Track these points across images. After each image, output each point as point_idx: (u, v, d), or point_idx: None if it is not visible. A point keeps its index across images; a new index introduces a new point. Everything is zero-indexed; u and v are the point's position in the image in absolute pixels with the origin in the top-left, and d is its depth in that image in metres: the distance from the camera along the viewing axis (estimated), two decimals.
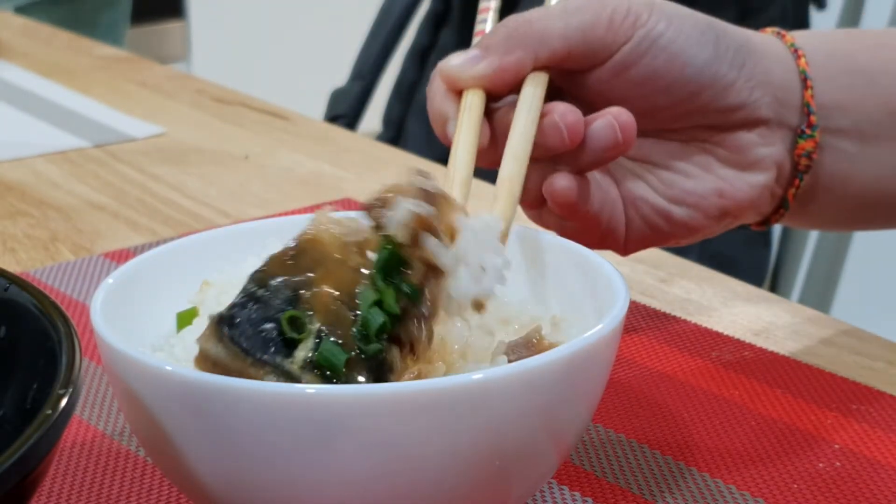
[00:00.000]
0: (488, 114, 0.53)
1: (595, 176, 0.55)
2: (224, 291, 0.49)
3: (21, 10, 1.57)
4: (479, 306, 0.44)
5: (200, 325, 0.47)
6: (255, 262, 0.51)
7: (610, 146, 0.52)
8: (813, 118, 0.57)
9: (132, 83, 1.20)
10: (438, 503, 0.42)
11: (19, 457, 0.34)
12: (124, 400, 0.44)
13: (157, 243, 0.77)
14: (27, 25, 1.45)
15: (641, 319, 0.68)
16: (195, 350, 0.45)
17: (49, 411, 0.36)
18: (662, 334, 0.66)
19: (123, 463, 0.54)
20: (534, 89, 0.52)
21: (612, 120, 0.52)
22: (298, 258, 0.44)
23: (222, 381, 0.40)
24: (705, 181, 0.56)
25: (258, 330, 0.42)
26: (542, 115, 0.52)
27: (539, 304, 0.52)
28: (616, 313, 0.45)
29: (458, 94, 0.53)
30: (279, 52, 3.27)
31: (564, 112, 0.51)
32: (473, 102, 0.52)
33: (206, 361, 0.42)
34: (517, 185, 0.50)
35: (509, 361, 0.44)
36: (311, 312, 0.42)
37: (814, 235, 1.58)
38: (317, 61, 3.09)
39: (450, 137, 0.52)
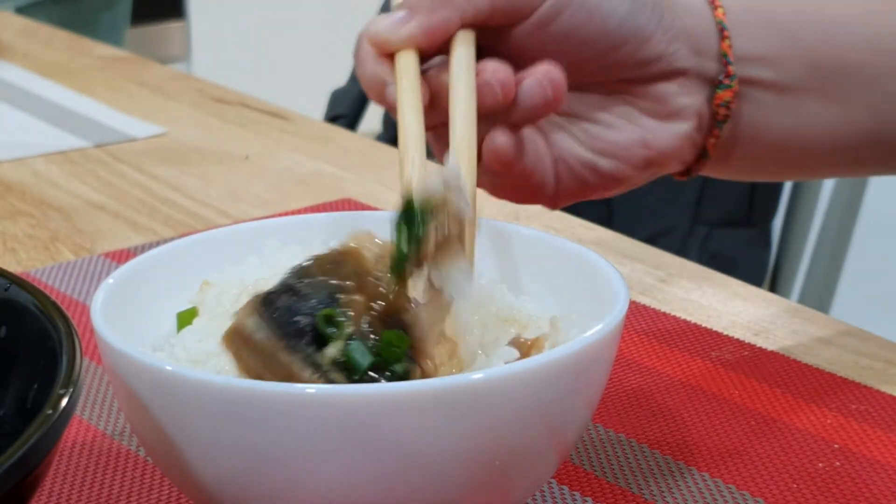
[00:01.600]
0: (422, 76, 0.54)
1: (524, 132, 0.56)
2: (224, 291, 0.49)
3: (21, 10, 1.57)
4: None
5: (200, 325, 0.47)
6: (255, 262, 0.52)
7: (540, 104, 0.53)
8: (731, 68, 0.57)
9: (132, 83, 1.20)
10: (438, 503, 0.42)
11: (19, 457, 0.34)
12: (124, 400, 0.44)
13: (157, 243, 0.77)
14: (27, 25, 1.45)
15: (641, 319, 0.68)
16: (195, 350, 0.46)
17: (49, 411, 0.36)
18: (662, 334, 0.66)
19: (123, 463, 0.54)
20: (466, 48, 0.53)
21: (542, 77, 0.53)
22: (339, 266, 0.45)
23: (222, 380, 0.40)
24: (628, 132, 0.57)
25: (295, 319, 0.43)
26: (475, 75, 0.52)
27: (538, 304, 0.52)
28: (616, 313, 0.45)
29: (390, 57, 0.53)
30: (279, 52, 3.27)
31: (496, 69, 0.52)
32: (408, 64, 0.53)
33: (239, 337, 0.43)
34: (474, 148, 0.50)
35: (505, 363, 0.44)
36: (345, 318, 0.43)
37: (814, 235, 1.58)
38: (317, 61, 3.09)
39: (389, 101, 0.52)
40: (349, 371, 0.42)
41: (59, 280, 0.73)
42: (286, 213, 0.84)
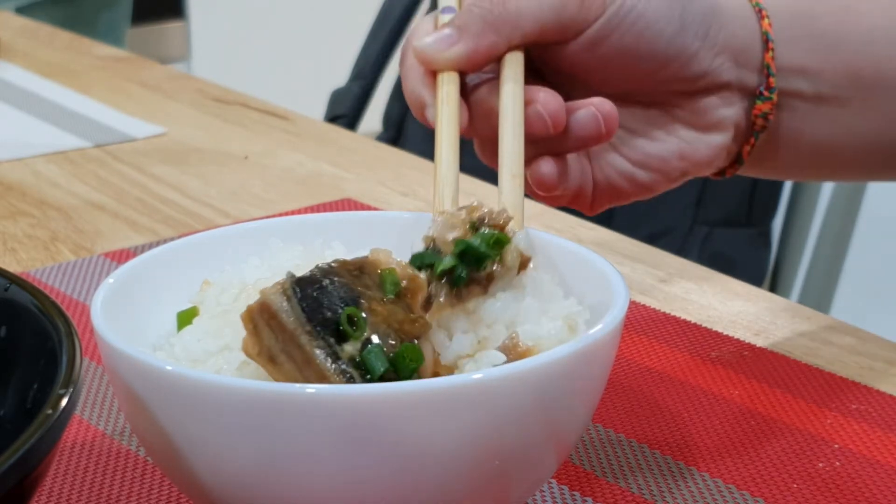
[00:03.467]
0: (465, 92, 0.54)
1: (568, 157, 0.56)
2: (224, 291, 0.49)
3: (21, 10, 1.57)
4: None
5: (200, 324, 0.47)
6: (255, 262, 0.52)
7: (593, 136, 0.54)
8: (772, 80, 0.58)
9: (132, 83, 1.20)
10: (438, 503, 0.42)
11: (19, 457, 0.34)
12: (124, 400, 0.44)
13: (157, 243, 0.77)
14: (27, 25, 1.45)
15: (641, 319, 0.68)
16: (195, 350, 0.46)
17: (49, 411, 0.36)
18: (662, 334, 0.66)
19: (123, 463, 0.54)
20: (514, 81, 0.53)
21: (595, 111, 0.53)
22: (362, 274, 0.45)
23: (222, 380, 0.40)
24: (668, 143, 0.57)
25: (323, 309, 0.43)
26: (525, 104, 0.53)
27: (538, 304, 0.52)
28: (616, 313, 0.45)
29: (433, 74, 0.54)
30: (279, 52, 3.27)
31: (546, 101, 0.52)
32: (451, 91, 0.53)
33: (265, 312, 0.43)
34: (521, 206, 0.50)
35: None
36: (366, 321, 0.43)
37: (814, 235, 1.58)
38: (317, 61, 3.09)
39: (429, 122, 0.53)
40: (364, 371, 0.42)
41: (58, 280, 0.73)
42: (286, 213, 0.84)
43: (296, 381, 0.42)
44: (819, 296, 1.57)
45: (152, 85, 1.20)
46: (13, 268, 0.75)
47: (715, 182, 1.41)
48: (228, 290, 0.49)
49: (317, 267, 0.45)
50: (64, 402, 0.36)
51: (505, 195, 0.50)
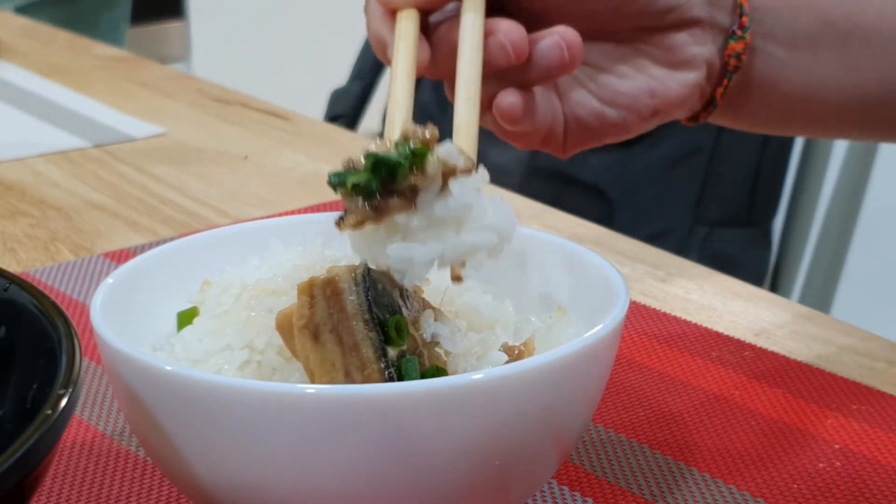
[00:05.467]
0: (428, 30, 0.54)
1: (536, 88, 0.56)
2: (224, 291, 0.49)
3: (21, 10, 1.57)
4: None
5: (200, 324, 0.47)
6: (255, 262, 0.52)
7: (556, 65, 0.53)
8: (745, 19, 0.58)
9: (132, 83, 1.20)
10: (439, 502, 0.42)
11: (19, 457, 0.34)
12: (124, 400, 0.44)
13: (157, 243, 0.77)
14: (27, 25, 1.45)
15: (641, 319, 0.68)
16: (195, 350, 0.45)
17: (49, 411, 0.36)
18: (662, 334, 0.66)
19: (123, 463, 0.54)
20: (473, 11, 0.53)
21: (559, 39, 0.53)
22: (393, 288, 0.45)
23: (222, 380, 0.40)
24: (637, 81, 0.57)
25: (381, 307, 0.43)
26: (487, 35, 0.52)
27: (538, 304, 0.52)
28: (616, 313, 0.45)
29: (393, 14, 0.54)
30: (279, 52, 3.27)
31: (509, 31, 0.52)
32: (408, 26, 0.53)
33: (329, 288, 0.43)
34: (474, 128, 0.50)
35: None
36: (409, 333, 0.44)
37: (814, 235, 1.58)
38: (317, 61, 3.09)
39: (390, 61, 0.53)
40: (398, 378, 0.42)
41: (58, 280, 0.73)
42: (286, 213, 0.84)
43: (334, 364, 0.42)
44: (820, 296, 1.57)
45: (152, 85, 1.20)
46: (13, 268, 0.75)
47: (715, 182, 1.41)
48: (228, 290, 0.49)
49: (371, 269, 0.45)
50: (64, 402, 0.36)
51: (458, 116, 0.50)
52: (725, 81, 0.58)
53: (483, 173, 0.46)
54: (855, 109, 0.61)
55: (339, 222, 0.45)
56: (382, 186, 0.45)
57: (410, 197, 0.45)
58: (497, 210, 0.45)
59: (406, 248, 0.44)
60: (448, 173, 0.45)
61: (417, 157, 0.45)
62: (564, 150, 0.58)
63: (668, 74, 0.57)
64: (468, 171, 0.45)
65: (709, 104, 0.60)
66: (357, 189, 0.45)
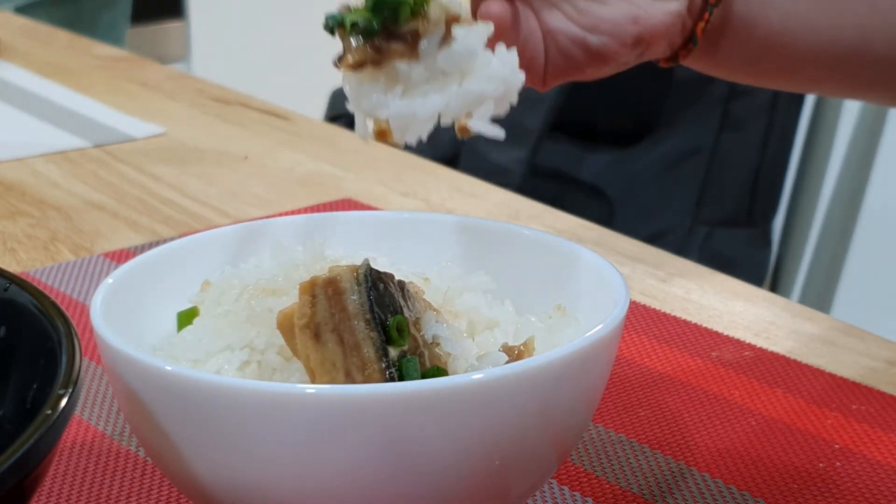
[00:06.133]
0: None
1: (518, 6, 0.56)
2: (224, 291, 0.49)
3: (21, 10, 1.57)
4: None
5: (201, 324, 0.47)
6: (255, 263, 0.52)
7: None
8: None
9: (132, 83, 1.20)
10: (438, 502, 0.42)
11: (19, 457, 0.34)
12: (124, 400, 0.44)
13: (157, 243, 0.77)
14: (27, 25, 1.45)
15: (641, 319, 0.68)
16: (195, 350, 0.46)
17: (49, 411, 0.36)
18: (662, 334, 0.66)
19: (123, 463, 0.54)
20: None
21: None
22: (398, 290, 0.45)
23: (222, 381, 0.40)
24: (620, 7, 0.58)
25: (382, 307, 0.43)
26: None
27: (539, 305, 0.52)
28: (616, 313, 0.45)
29: None
30: (279, 52, 3.27)
31: None
32: None
33: (329, 287, 0.43)
34: None
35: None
36: (409, 333, 0.44)
37: (814, 235, 1.58)
38: (317, 61, 3.08)
39: None
40: (399, 378, 0.42)
41: (58, 280, 0.73)
42: (286, 213, 0.84)
43: (335, 363, 0.42)
44: (820, 296, 1.57)
45: (152, 85, 1.20)
46: (13, 268, 0.75)
47: (715, 182, 1.41)
48: (228, 290, 0.49)
49: (373, 269, 0.45)
50: (64, 402, 0.36)
51: None
52: (707, 16, 0.59)
53: (488, 24, 0.45)
54: (832, 57, 0.61)
55: (338, 61, 0.44)
56: (383, 28, 0.43)
57: (412, 43, 0.43)
58: (503, 59, 0.44)
59: (408, 104, 0.43)
60: (451, 21, 0.44)
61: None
62: (544, 82, 0.58)
63: (650, 2, 0.58)
64: (470, 22, 0.44)
65: (689, 40, 0.60)
66: (356, 28, 0.43)
